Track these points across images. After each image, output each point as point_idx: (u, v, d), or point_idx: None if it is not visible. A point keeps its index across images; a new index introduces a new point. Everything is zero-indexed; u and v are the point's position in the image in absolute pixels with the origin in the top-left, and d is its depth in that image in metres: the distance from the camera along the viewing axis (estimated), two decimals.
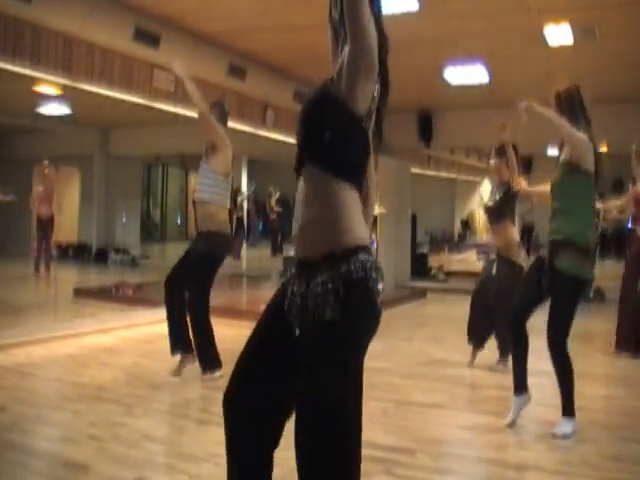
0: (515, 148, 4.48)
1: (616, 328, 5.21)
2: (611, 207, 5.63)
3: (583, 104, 3.24)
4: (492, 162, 4.71)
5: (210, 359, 4.14)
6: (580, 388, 3.28)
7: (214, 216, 4.12)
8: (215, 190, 4.11)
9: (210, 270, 4.19)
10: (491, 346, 4.72)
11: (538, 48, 6.23)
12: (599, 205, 5.18)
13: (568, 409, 3.18)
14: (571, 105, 3.22)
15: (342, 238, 1.56)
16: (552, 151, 10.36)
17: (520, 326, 3.35)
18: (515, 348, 3.42)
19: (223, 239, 4.20)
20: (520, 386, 3.35)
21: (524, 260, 4.67)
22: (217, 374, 4.13)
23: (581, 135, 3.14)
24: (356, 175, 1.63)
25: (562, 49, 6.20)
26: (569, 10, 5.35)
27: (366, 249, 1.58)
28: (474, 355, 4.66)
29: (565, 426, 3.16)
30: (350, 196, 1.59)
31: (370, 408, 3.73)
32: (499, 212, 4.62)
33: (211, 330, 4.17)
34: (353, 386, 1.54)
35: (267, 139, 8.96)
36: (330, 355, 1.53)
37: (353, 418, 1.53)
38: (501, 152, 4.56)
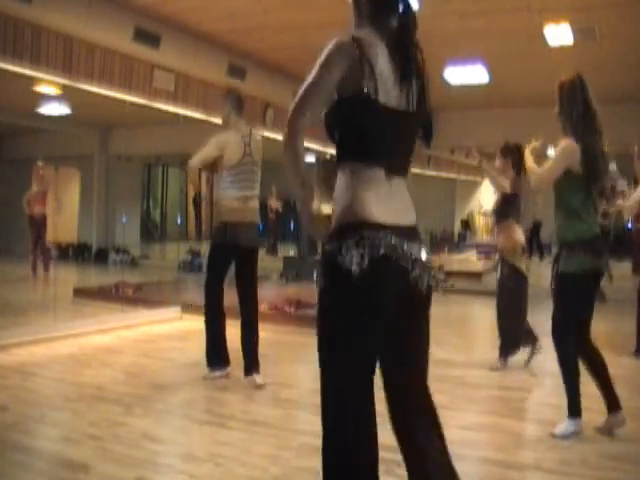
0: (519, 149, 4.49)
1: (637, 330, 5.13)
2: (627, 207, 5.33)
3: (587, 95, 3.11)
4: (497, 163, 4.71)
5: (212, 355, 4.15)
6: (580, 388, 3.28)
7: (218, 208, 4.17)
8: (221, 186, 4.13)
9: (213, 259, 4.20)
10: (491, 345, 4.73)
11: (538, 48, 6.23)
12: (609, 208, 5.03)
13: (570, 409, 3.17)
14: (572, 97, 3.12)
15: (338, 218, 1.68)
16: (552, 151, 10.36)
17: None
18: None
19: (223, 227, 4.10)
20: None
21: (527, 265, 4.66)
22: (217, 373, 4.14)
23: (536, 171, 3.17)
24: (366, 155, 1.70)
25: (562, 49, 6.21)
26: (569, 10, 5.36)
27: (367, 225, 1.63)
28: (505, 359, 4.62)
29: (565, 426, 3.16)
30: (362, 178, 1.68)
31: None
32: (501, 212, 4.66)
33: (216, 326, 4.15)
34: (330, 361, 1.70)
35: (267, 139, 8.95)
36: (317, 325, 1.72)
37: (332, 394, 1.74)
38: (505, 152, 4.62)
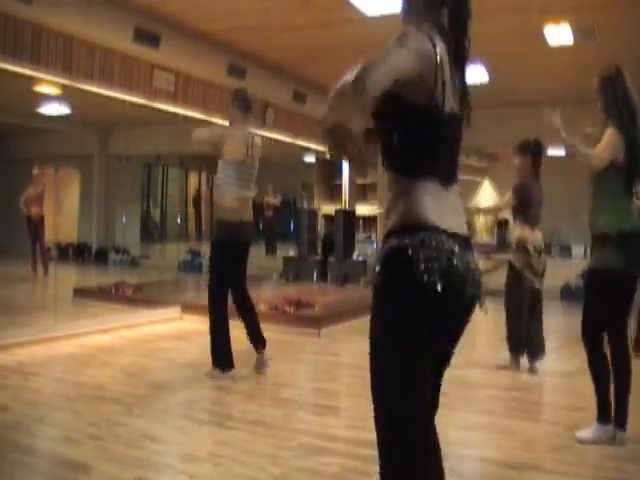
0: (540, 144, 4.42)
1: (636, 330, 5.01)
2: None
3: (627, 91, 3.01)
4: (516, 161, 4.54)
5: (222, 355, 4.17)
6: (580, 388, 3.29)
7: (222, 204, 4.21)
8: (226, 180, 4.18)
9: (219, 258, 4.24)
10: (491, 345, 4.73)
11: (538, 48, 6.23)
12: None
13: (598, 413, 3.07)
14: (614, 90, 3.02)
15: (402, 219, 1.53)
16: (552, 151, 10.34)
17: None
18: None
19: (230, 226, 4.17)
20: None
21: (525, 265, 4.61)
22: (228, 374, 4.16)
23: (597, 151, 3.00)
24: (426, 169, 1.56)
25: (562, 49, 6.21)
26: (569, 10, 5.36)
27: (428, 228, 1.49)
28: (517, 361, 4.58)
29: (590, 430, 3.08)
30: (423, 190, 1.53)
31: (371, 408, 3.72)
32: (513, 210, 4.59)
33: (224, 327, 4.19)
34: (390, 364, 1.51)
35: (267, 139, 8.96)
36: (372, 323, 1.57)
37: (391, 403, 1.54)
38: (525, 150, 4.47)
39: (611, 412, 3.05)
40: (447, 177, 1.59)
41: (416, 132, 1.53)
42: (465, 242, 1.58)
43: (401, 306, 1.49)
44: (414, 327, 1.49)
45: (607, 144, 3.01)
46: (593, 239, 3.14)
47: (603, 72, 3.08)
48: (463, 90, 1.62)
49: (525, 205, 4.49)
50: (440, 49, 1.51)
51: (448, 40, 1.58)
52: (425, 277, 1.45)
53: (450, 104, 1.55)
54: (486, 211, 4.69)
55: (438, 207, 1.54)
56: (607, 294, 3.06)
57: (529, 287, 4.45)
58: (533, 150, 4.45)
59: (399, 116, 1.53)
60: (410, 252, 1.47)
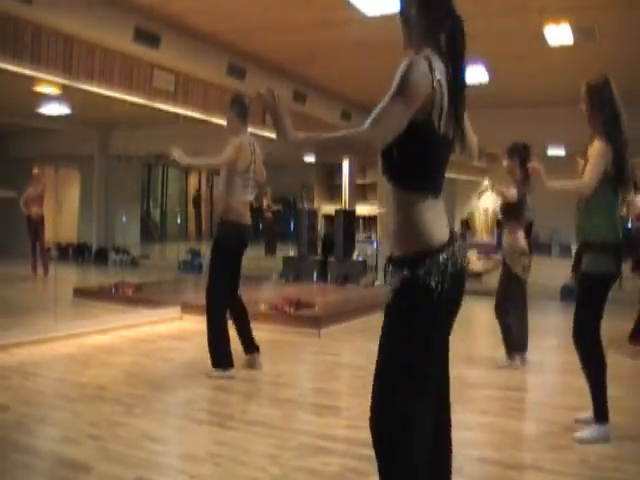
0: (527, 148, 4.49)
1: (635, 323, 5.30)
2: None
3: (613, 99, 3.15)
4: (505, 163, 4.69)
5: (222, 355, 4.18)
6: (579, 387, 3.27)
7: (226, 205, 4.29)
8: (231, 187, 4.27)
9: (220, 258, 4.29)
10: (491, 345, 4.72)
11: (538, 48, 6.23)
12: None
13: (596, 413, 3.09)
14: (601, 99, 3.14)
15: (413, 247, 1.68)
16: (552, 151, 10.36)
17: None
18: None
19: (232, 226, 4.27)
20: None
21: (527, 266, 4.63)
22: (228, 373, 4.15)
23: (586, 179, 3.06)
24: (425, 184, 1.70)
25: (562, 49, 6.21)
26: (569, 10, 5.35)
27: (433, 253, 1.66)
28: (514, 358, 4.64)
29: (588, 431, 3.10)
30: (423, 206, 1.68)
31: None
32: (505, 212, 4.71)
33: (225, 324, 4.23)
34: (399, 374, 1.67)
35: (267, 139, 8.94)
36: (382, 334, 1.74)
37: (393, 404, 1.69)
38: (513, 153, 4.59)
39: (607, 411, 3.08)
40: (440, 190, 1.73)
41: (414, 148, 1.64)
42: (452, 237, 1.74)
43: (415, 324, 1.67)
44: (425, 340, 1.68)
45: (594, 166, 3.06)
46: (585, 246, 3.19)
47: (591, 80, 3.20)
48: (457, 115, 1.73)
49: (523, 209, 4.62)
50: (439, 71, 1.64)
51: (446, 61, 1.71)
52: (437, 295, 1.65)
53: (445, 126, 1.66)
54: (497, 191, 4.80)
55: (439, 221, 1.70)
56: (597, 296, 3.13)
57: (524, 286, 4.62)
58: (520, 154, 4.52)
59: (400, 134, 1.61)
60: (421, 282, 1.64)
